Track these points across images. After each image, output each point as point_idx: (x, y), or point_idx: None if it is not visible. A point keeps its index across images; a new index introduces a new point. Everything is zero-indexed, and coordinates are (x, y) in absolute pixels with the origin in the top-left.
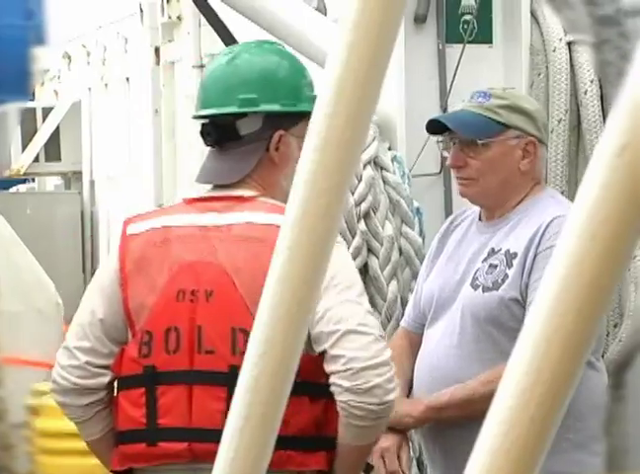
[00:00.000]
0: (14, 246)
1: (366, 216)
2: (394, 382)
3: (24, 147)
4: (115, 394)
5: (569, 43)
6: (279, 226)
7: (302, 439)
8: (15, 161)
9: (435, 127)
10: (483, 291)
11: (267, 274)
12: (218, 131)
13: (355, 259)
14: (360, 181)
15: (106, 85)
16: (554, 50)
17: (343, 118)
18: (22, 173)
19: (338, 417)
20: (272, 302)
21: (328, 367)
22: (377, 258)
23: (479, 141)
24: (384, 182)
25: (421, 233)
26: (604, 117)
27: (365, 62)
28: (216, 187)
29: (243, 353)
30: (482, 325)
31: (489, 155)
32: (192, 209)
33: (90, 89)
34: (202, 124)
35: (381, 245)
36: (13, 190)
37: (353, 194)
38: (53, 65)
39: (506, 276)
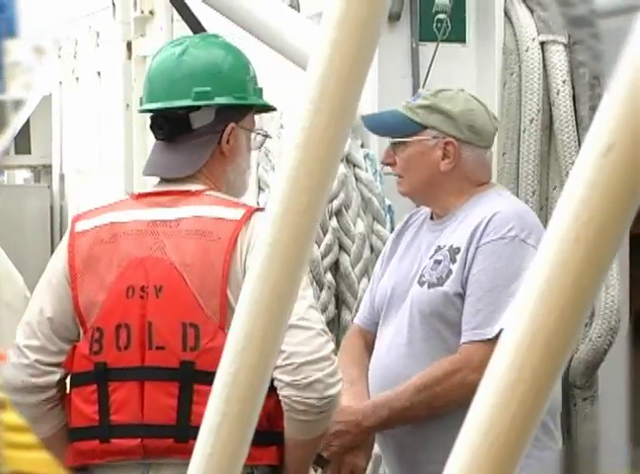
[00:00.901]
0: None
1: (338, 213)
2: (336, 376)
3: None
4: (66, 392)
5: (542, 43)
6: (228, 220)
7: (255, 434)
8: None
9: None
10: (428, 288)
11: (216, 268)
12: (170, 125)
13: (326, 256)
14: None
15: (77, 79)
16: (527, 50)
17: (326, 115)
18: None
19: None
20: (251, 298)
21: None
22: (349, 255)
23: (391, 140)
24: (356, 179)
25: (392, 231)
26: (577, 117)
27: (349, 60)
28: (163, 180)
29: (193, 348)
30: (429, 321)
31: (407, 154)
32: (139, 205)
33: (61, 82)
34: (152, 118)
35: (353, 242)
36: None
37: None
38: (24, 58)
39: (450, 271)
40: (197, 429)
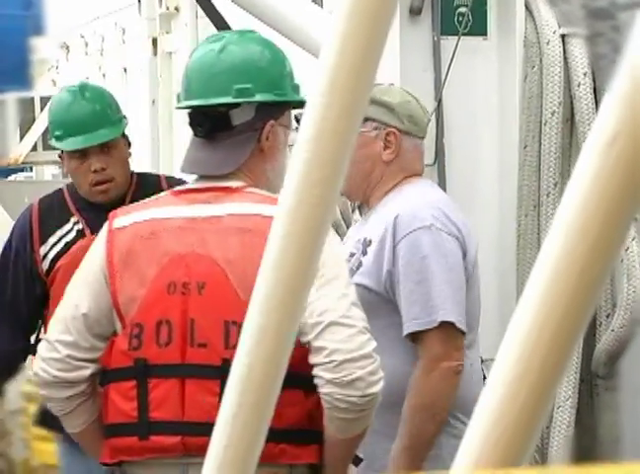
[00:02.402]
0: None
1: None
2: (377, 375)
3: (22, 136)
4: (96, 386)
5: (563, 36)
6: (269, 217)
7: (295, 433)
8: (13, 150)
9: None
10: None
11: (259, 265)
12: (210, 122)
13: None
14: None
15: (103, 75)
16: (548, 43)
17: (337, 108)
18: (20, 162)
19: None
20: (265, 292)
21: (312, 359)
22: None
23: None
24: None
25: None
26: (598, 109)
27: (360, 52)
28: (202, 177)
29: (236, 346)
30: None
31: None
32: (179, 201)
33: (88, 78)
34: (191, 114)
35: None
36: (11, 178)
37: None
38: (52, 55)
39: (360, 263)
40: None
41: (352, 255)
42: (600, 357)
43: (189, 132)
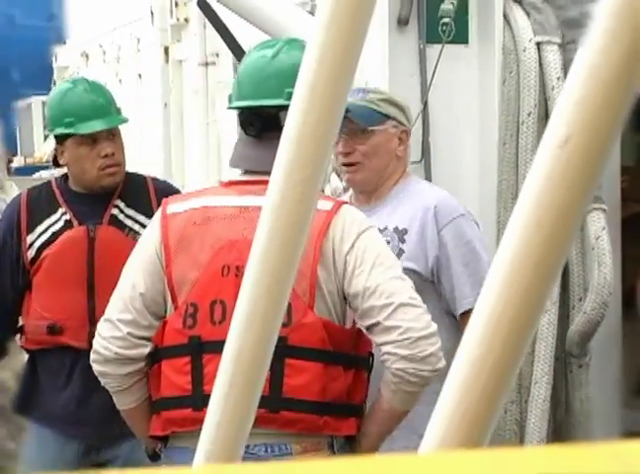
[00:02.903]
0: None
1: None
2: (442, 351)
3: (46, 136)
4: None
5: (538, 44)
6: (319, 210)
7: (336, 406)
8: (38, 149)
9: None
10: None
11: (307, 252)
12: (262, 122)
13: None
14: None
15: (120, 81)
16: (524, 50)
17: (316, 114)
18: (44, 160)
19: (365, 385)
20: (253, 280)
21: (380, 338)
22: None
23: (369, 128)
24: (337, 174)
25: None
26: None
27: (337, 62)
28: (249, 172)
29: (286, 324)
30: None
31: (374, 141)
32: (230, 192)
33: (106, 84)
34: (243, 115)
35: None
36: (36, 176)
37: (341, 180)
38: (73, 63)
39: (401, 250)
40: (288, 400)
41: (387, 242)
42: (573, 338)
43: (198, 132)
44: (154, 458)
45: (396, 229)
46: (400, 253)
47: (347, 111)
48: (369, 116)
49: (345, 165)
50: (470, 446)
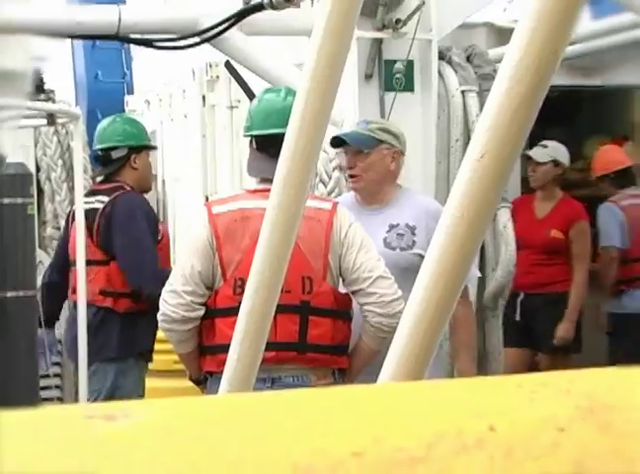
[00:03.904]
0: None
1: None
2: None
3: None
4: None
5: (462, 91)
6: (324, 209)
7: (338, 347)
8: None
9: (336, 142)
10: (401, 251)
11: (320, 240)
12: (280, 145)
13: None
14: (330, 179)
15: (171, 119)
16: (453, 96)
17: (303, 139)
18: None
19: (350, 332)
20: (261, 257)
21: (363, 300)
22: None
23: (365, 150)
24: (346, 180)
25: None
26: None
27: (318, 103)
28: (263, 180)
29: (309, 292)
30: (406, 274)
31: (370, 160)
32: (257, 196)
33: (162, 122)
34: (260, 139)
35: None
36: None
37: (326, 187)
38: (138, 107)
39: (414, 241)
40: (312, 345)
41: (401, 235)
42: (488, 296)
43: (225, 155)
44: (197, 384)
45: (407, 225)
46: (413, 244)
47: (344, 138)
48: (366, 141)
49: (350, 176)
50: (415, 377)
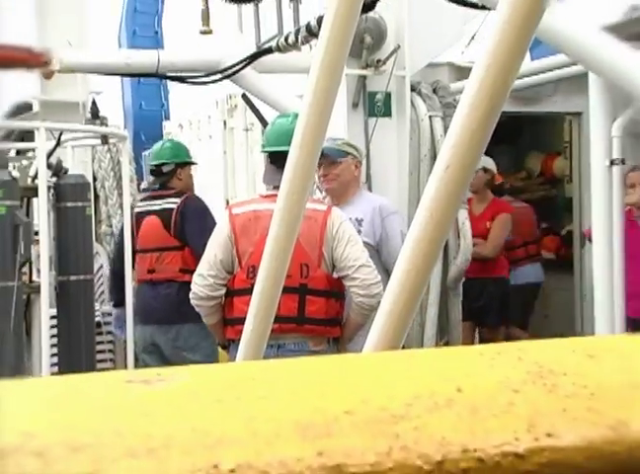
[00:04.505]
0: None
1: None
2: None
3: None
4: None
5: (430, 117)
6: (319, 210)
7: (333, 320)
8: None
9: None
10: None
11: (316, 236)
12: (283, 158)
13: None
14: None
15: (199, 139)
16: (422, 120)
17: (304, 154)
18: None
19: (343, 309)
20: (269, 249)
21: (349, 283)
22: None
23: (337, 160)
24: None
25: None
26: None
27: (315, 126)
28: (276, 187)
29: (306, 276)
30: None
31: (340, 168)
32: (267, 201)
33: (191, 142)
34: (277, 155)
35: None
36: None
37: (321, 192)
38: (173, 130)
39: (359, 231)
40: (308, 319)
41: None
42: (450, 279)
43: (242, 168)
44: (224, 347)
45: (356, 219)
46: (359, 232)
47: (323, 151)
48: (337, 153)
49: (324, 182)
50: (393, 347)
